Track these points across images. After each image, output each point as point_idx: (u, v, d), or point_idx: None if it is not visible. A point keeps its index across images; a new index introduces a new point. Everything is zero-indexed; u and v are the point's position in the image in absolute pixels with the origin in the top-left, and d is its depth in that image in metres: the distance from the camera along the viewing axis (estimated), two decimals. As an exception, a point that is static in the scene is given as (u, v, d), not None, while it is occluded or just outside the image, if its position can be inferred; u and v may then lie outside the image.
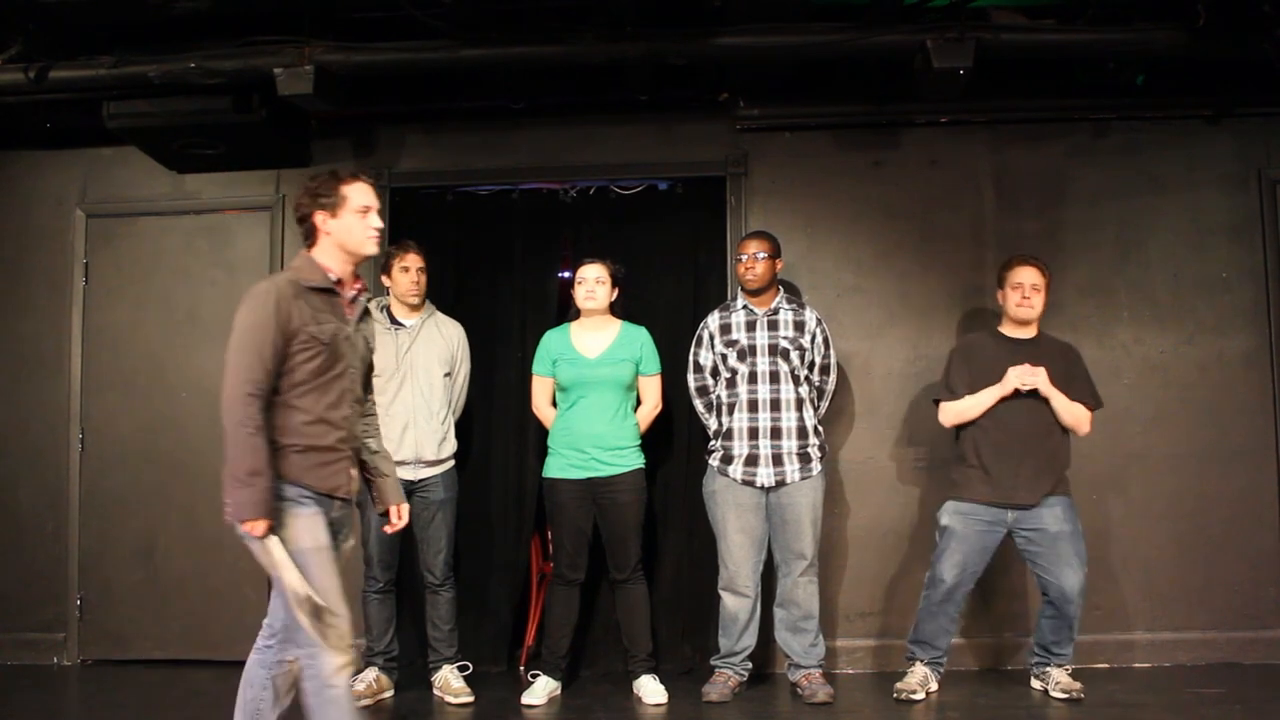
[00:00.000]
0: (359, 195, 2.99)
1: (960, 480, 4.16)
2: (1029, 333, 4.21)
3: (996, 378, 4.08)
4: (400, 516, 3.24)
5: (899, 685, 4.13)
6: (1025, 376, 4.03)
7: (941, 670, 4.21)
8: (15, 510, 5.05)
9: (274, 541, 2.78)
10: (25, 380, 5.10)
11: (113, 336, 5.08)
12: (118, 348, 5.07)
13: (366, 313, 3.08)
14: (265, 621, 3.00)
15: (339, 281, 2.98)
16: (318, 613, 2.78)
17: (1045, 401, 4.07)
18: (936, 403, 4.25)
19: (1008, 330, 4.24)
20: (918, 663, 4.19)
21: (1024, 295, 4.14)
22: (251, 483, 2.73)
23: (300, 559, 2.80)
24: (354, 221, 2.97)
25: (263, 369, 2.81)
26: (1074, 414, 4.10)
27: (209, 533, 4.92)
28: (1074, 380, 4.14)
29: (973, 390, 4.12)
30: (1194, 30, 4.01)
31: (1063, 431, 4.14)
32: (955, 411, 4.16)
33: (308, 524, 2.84)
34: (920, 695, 4.10)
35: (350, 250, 2.99)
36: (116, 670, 4.87)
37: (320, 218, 2.97)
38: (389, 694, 4.31)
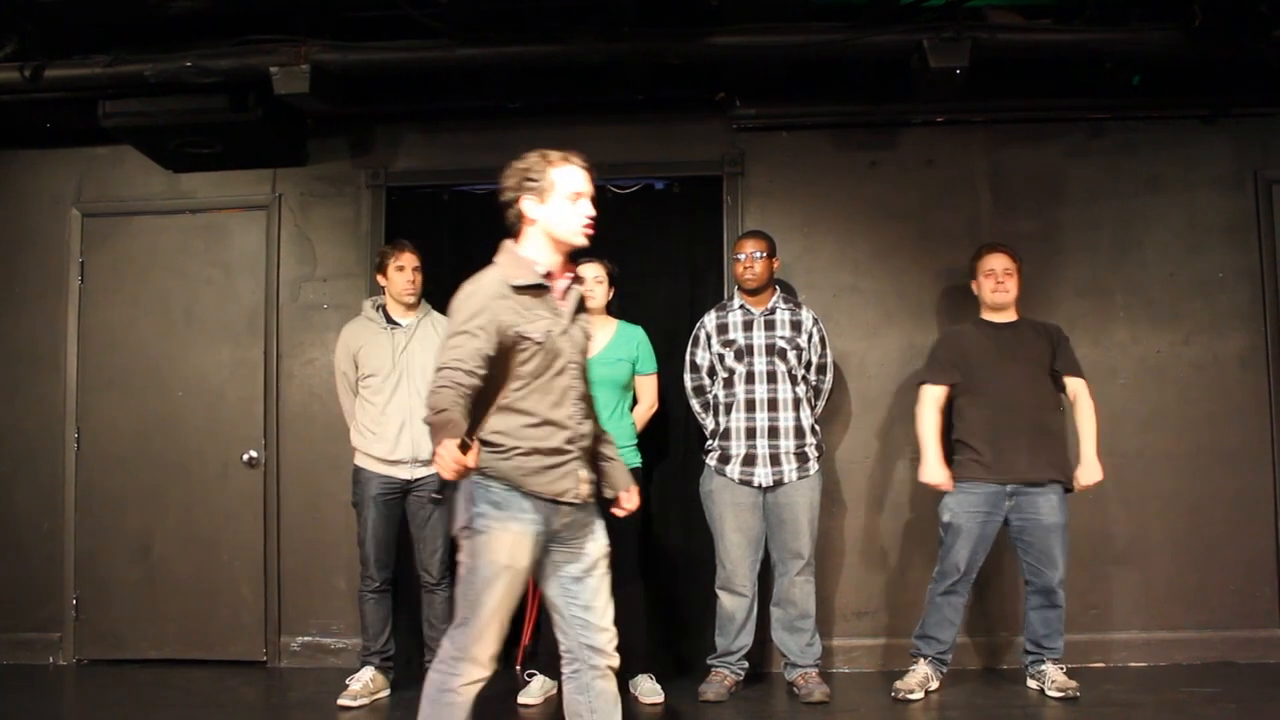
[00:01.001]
0: (569, 179, 2.78)
1: (959, 461, 4.21)
2: (1008, 317, 4.29)
3: (982, 364, 4.18)
4: (630, 500, 3.02)
5: (898, 684, 4.13)
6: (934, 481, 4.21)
7: (945, 668, 4.22)
8: (11, 510, 5.04)
9: (484, 542, 2.66)
10: (21, 380, 5.10)
11: (109, 336, 5.07)
12: (114, 347, 5.06)
13: (581, 303, 2.89)
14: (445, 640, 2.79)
15: (548, 274, 2.79)
16: (473, 625, 2.68)
17: (1039, 375, 4.16)
18: (921, 384, 4.33)
19: (988, 317, 4.32)
20: (921, 660, 4.20)
21: (997, 280, 4.23)
22: (439, 422, 2.50)
23: (490, 571, 2.66)
24: (564, 208, 2.77)
25: (467, 369, 2.61)
26: (1092, 415, 4.21)
27: (205, 532, 4.93)
28: (1060, 354, 4.24)
29: (962, 373, 4.21)
30: (1190, 31, 4.01)
31: (1056, 407, 4.19)
32: (919, 418, 4.27)
33: (513, 541, 2.68)
34: (918, 695, 4.11)
35: (559, 240, 2.79)
36: (113, 670, 4.86)
37: (527, 204, 2.78)
38: (385, 693, 4.31)
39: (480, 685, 2.75)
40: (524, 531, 2.69)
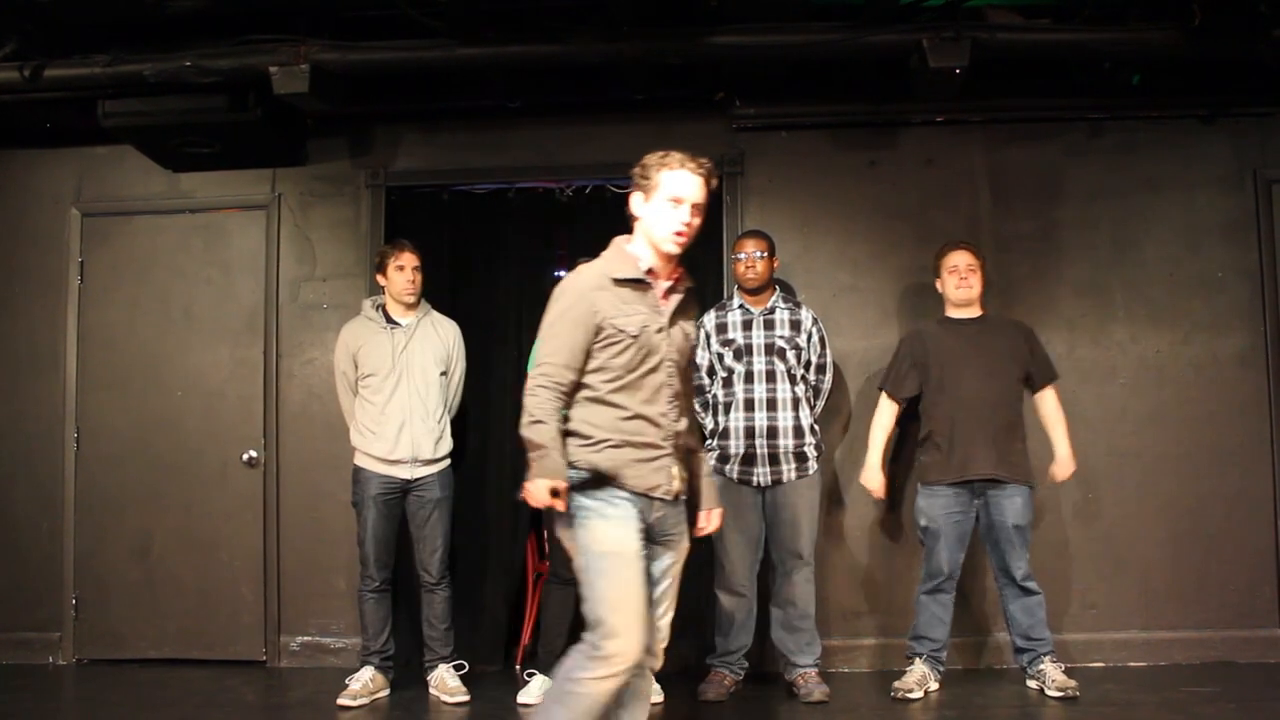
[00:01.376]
0: (674, 183, 2.73)
1: (925, 463, 4.28)
2: (973, 313, 4.32)
3: (949, 356, 4.22)
4: (709, 521, 2.98)
5: (896, 684, 4.14)
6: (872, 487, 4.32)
7: (942, 667, 4.22)
8: (10, 510, 5.04)
9: (583, 533, 2.70)
10: (20, 379, 5.10)
11: (108, 335, 5.07)
12: (113, 347, 5.06)
13: (687, 304, 2.86)
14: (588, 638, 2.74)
15: (650, 271, 2.78)
16: (600, 622, 2.66)
17: (1004, 372, 4.20)
18: (881, 389, 4.38)
19: (952, 313, 4.35)
20: (917, 660, 4.20)
21: (961, 277, 4.27)
22: (538, 457, 2.64)
23: (597, 562, 2.67)
24: (662, 210, 2.73)
25: (563, 363, 2.69)
26: (1062, 416, 4.28)
27: (205, 532, 4.93)
28: (1035, 354, 4.27)
29: (926, 374, 4.25)
30: (1189, 30, 4.01)
31: (1020, 403, 4.23)
32: (874, 421, 4.35)
33: (612, 527, 2.69)
34: (918, 694, 4.11)
35: (652, 242, 2.77)
36: (112, 670, 4.86)
37: (635, 200, 2.78)
38: (385, 693, 4.30)
39: (613, 681, 2.66)
40: (622, 516, 2.71)
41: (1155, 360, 4.77)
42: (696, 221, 2.77)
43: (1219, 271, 4.79)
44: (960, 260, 4.29)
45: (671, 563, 2.85)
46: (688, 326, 2.88)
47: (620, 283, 2.74)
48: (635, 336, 2.71)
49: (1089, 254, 4.82)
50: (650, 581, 2.79)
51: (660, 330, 2.76)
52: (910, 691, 4.10)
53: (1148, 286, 4.80)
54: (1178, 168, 4.84)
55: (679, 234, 2.74)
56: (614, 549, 2.68)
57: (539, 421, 2.66)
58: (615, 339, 2.70)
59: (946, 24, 4.05)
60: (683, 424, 2.84)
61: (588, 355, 2.71)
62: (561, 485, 2.64)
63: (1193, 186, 4.83)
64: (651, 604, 2.79)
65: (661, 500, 2.77)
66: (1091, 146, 4.86)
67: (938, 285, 4.38)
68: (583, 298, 2.70)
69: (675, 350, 2.80)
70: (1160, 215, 4.83)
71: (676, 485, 2.80)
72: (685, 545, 2.90)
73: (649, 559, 2.78)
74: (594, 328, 2.69)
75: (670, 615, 2.88)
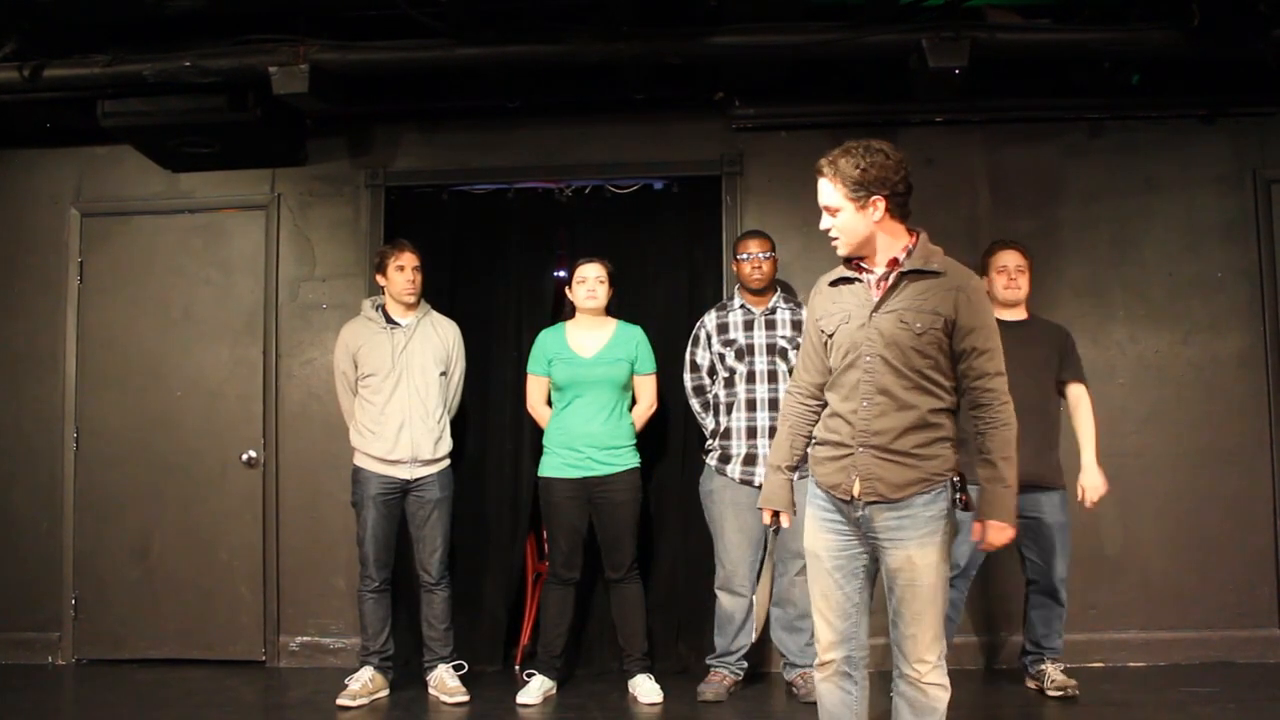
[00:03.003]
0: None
1: (963, 462, 4.20)
2: (1019, 315, 4.26)
3: None
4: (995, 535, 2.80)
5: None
6: None
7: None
8: (10, 510, 5.04)
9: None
10: (20, 379, 5.09)
11: (107, 335, 5.07)
12: (112, 347, 5.06)
13: (904, 280, 2.72)
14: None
15: (856, 265, 2.78)
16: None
17: (1045, 377, 4.13)
18: None
19: (1000, 314, 4.27)
20: None
21: (1010, 278, 4.21)
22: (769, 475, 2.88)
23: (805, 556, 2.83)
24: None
25: (801, 366, 2.88)
26: (1091, 423, 4.19)
27: (204, 532, 4.93)
28: (1066, 359, 4.21)
29: None
30: (1189, 30, 4.01)
31: (1055, 407, 4.18)
32: None
33: (809, 524, 2.85)
34: None
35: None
36: (112, 670, 4.86)
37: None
38: (384, 693, 4.30)
39: (821, 671, 2.82)
40: (818, 514, 2.83)
41: (1154, 360, 4.77)
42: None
43: (1218, 272, 4.79)
44: (1010, 260, 4.21)
45: (889, 571, 2.82)
46: (903, 311, 2.76)
47: (836, 284, 2.89)
48: (831, 335, 2.83)
49: (1088, 254, 4.82)
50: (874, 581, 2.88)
51: (861, 325, 2.76)
52: None
53: (1147, 286, 4.80)
54: (1177, 168, 4.84)
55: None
56: (809, 546, 2.89)
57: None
58: (823, 341, 2.85)
59: (946, 24, 4.05)
60: (883, 423, 2.78)
61: (816, 356, 2.87)
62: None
63: (1192, 186, 4.83)
64: (891, 610, 2.80)
65: (847, 501, 2.80)
66: (1091, 146, 4.86)
67: (984, 284, 4.33)
68: (810, 304, 2.90)
69: (883, 343, 2.72)
70: (1160, 215, 4.83)
71: (858, 489, 2.76)
72: (904, 555, 2.77)
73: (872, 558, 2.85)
74: (817, 331, 2.88)
75: (915, 628, 2.77)
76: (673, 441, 4.77)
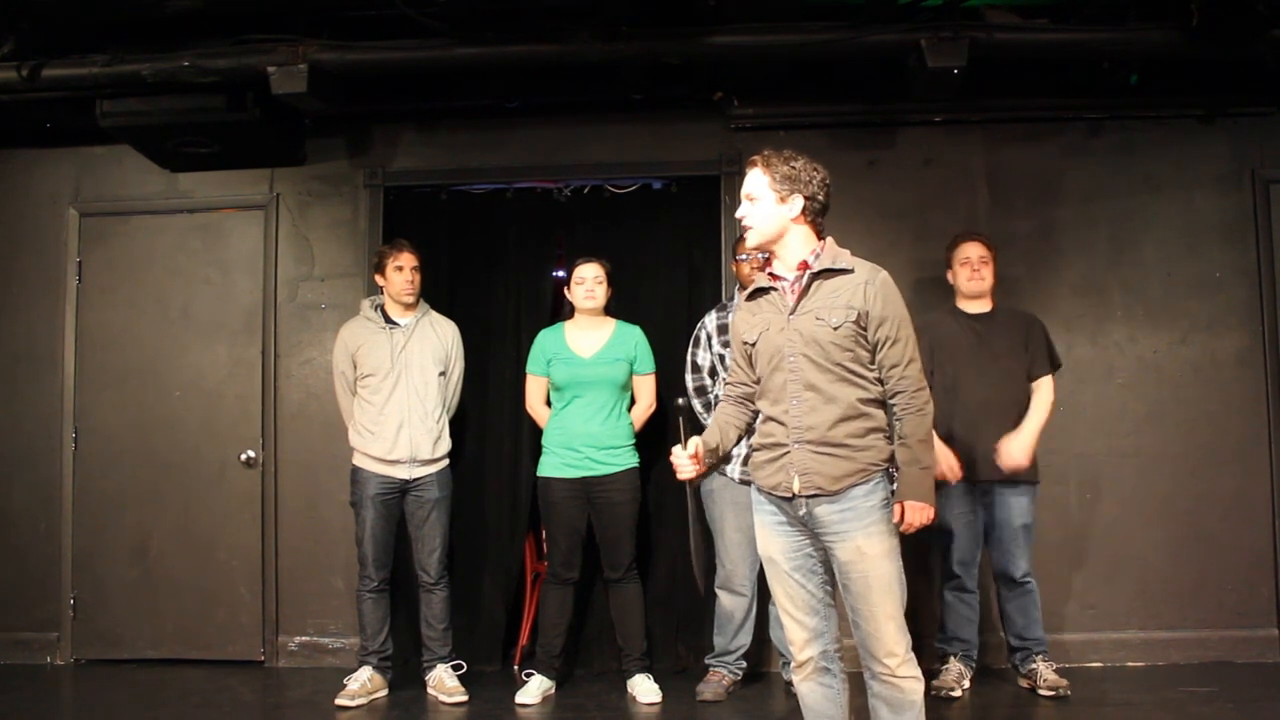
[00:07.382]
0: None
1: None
2: (984, 306, 4.27)
3: (958, 353, 4.17)
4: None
5: (935, 683, 4.08)
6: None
7: (974, 663, 4.23)
8: (8, 509, 5.04)
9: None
10: (18, 379, 5.09)
11: (106, 335, 5.07)
12: (111, 347, 5.06)
13: (816, 281, 2.81)
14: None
15: (770, 274, 2.89)
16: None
17: (1013, 370, 4.14)
18: None
19: (964, 306, 4.31)
20: (951, 659, 4.21)
21: (973, 269, 4.23)
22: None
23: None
24: None
25: (730, 379, 3.02)
26: (1044, 408, 4.14)
27: (203, 532, 4.93)
28: (1031, 347, 4.19)
29: (936, 367, 4.12)
30: (1188, 30, 4.01)
31: (1025, 398, 4.16)
32: None
33: (760, 530, 2.91)
34: (958, 692, 4.11)
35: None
36: (110, 670, 4.86)
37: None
38: (383, 693, 4.30)
39: (799, 673, 2.93)
40: (763, 518, 2.89)
41: (1153, 360, 4.77)
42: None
43: (1217, 271, 4.79)
44: (973, 252, 4.25)
45: (839, 565, 2.88)
46: (819, 309, 2.86)
47: (751, 295, 3.00)
48: (752, 344, 2.94)
49: (1087, 254, 4.82)
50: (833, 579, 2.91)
51: (781, 329, 2.86)
52: (951, 690, 4.10)
53: (1146, 286, 4.81)
54: (1176, 168, 4.84)
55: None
56: (764, 553, 2.93)
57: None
58: (745, 351, 2.98)
59: (945, 24, 4.05)
60: (814, 419, 2.87)
61: (744, 362, 2.98)
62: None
63: (1191, 186, 4.83)
64: (848, 608, 2.85)
65: (786, 499, 2.87)
66: (1090, 146, 4.87)
67: (949, 277, 4.34)
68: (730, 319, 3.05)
69: (803, 342, 2.82)
70: (1158, 215, 4.83)
71: (798, 485, 2.82)
72: (855, 547, 2.83)
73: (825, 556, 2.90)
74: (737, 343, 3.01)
75: (877, 626, 2.84)
76: (672, 441, 4.74)
